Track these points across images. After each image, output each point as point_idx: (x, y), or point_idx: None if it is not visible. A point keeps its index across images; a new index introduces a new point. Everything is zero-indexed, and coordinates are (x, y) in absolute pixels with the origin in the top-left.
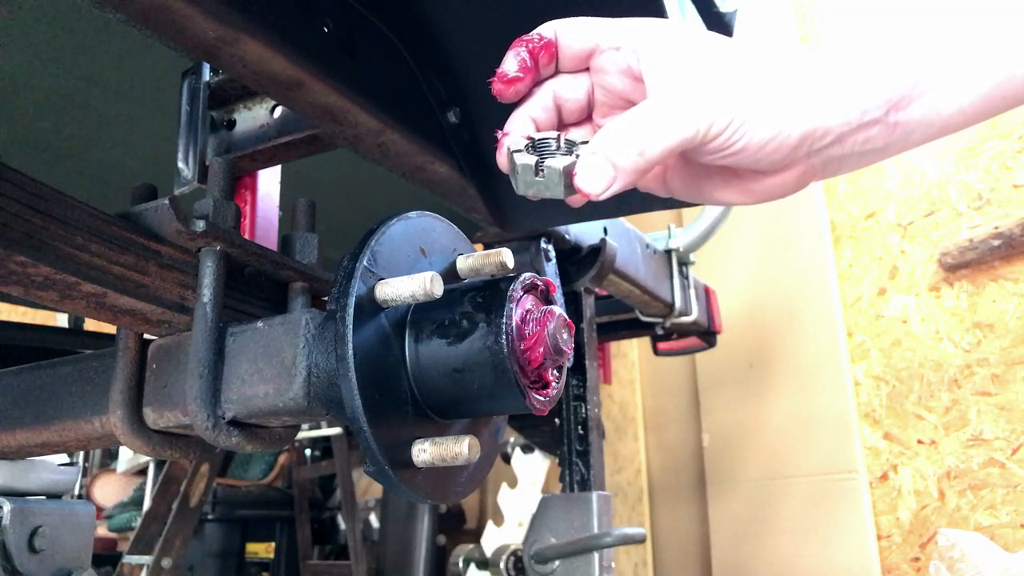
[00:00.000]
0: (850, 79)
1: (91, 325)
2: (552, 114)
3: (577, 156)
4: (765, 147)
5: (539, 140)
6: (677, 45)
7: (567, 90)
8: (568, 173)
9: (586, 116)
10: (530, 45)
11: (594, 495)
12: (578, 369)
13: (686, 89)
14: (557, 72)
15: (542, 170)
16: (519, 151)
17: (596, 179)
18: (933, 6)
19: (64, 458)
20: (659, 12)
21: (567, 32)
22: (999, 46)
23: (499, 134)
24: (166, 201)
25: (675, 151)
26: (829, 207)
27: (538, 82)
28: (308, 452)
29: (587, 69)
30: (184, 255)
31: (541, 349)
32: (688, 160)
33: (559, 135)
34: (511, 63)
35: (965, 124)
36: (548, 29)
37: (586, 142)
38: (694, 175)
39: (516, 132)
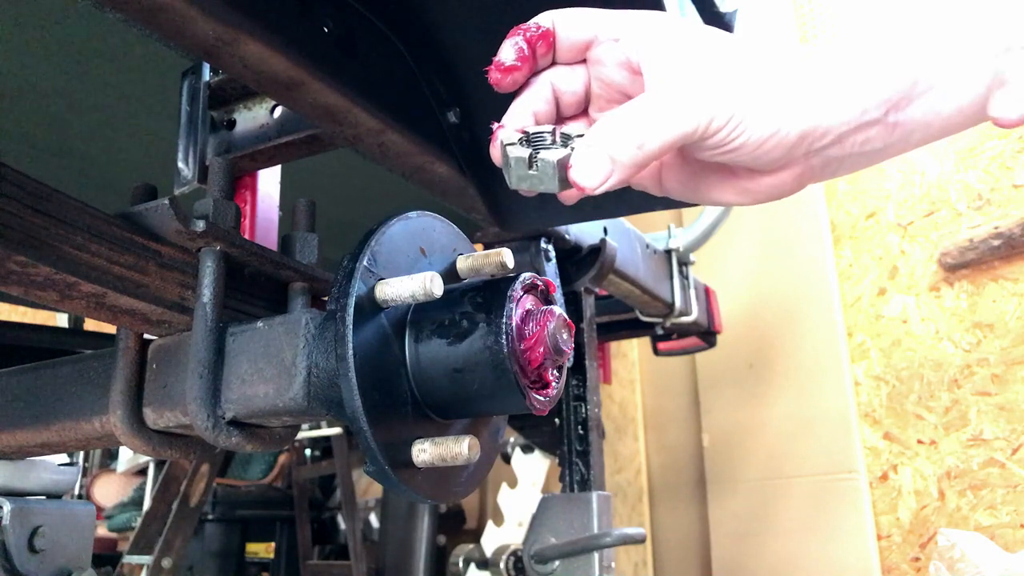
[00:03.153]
0: (849, 78)
1: (91, 325)
2: (552, 106)
3: (572, 149)
4: (764, 144)
5: (533, 133)
6: (677, 39)
7: (565, 82)
8: (563, 166)
9: (583, 110)
10: (527, 34)
11: (594, 495)
12: (578, 369)
13: (686, 83)
14: (554, 63)
15: (536, 163)
16: (512, 144)
17: (592, 173)
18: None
19: (64, 458)
20: (657, 7)
21: (565, 22)
22: (997, 43)
23: (494, 126)
24: (166, 201)
25: (674, 146)
26: (829, 207)
27: (535, 72)
28: (308, 452)
29: (584, 61)
30: (184, 255)
31: (541, 349)
32: (685, 157)
33: (554, 128)
34: (508, 52)
35: (966, 125)
36: (546, 18)
37: (582, 135)
38: (691, 173)
39: (512, 125)
